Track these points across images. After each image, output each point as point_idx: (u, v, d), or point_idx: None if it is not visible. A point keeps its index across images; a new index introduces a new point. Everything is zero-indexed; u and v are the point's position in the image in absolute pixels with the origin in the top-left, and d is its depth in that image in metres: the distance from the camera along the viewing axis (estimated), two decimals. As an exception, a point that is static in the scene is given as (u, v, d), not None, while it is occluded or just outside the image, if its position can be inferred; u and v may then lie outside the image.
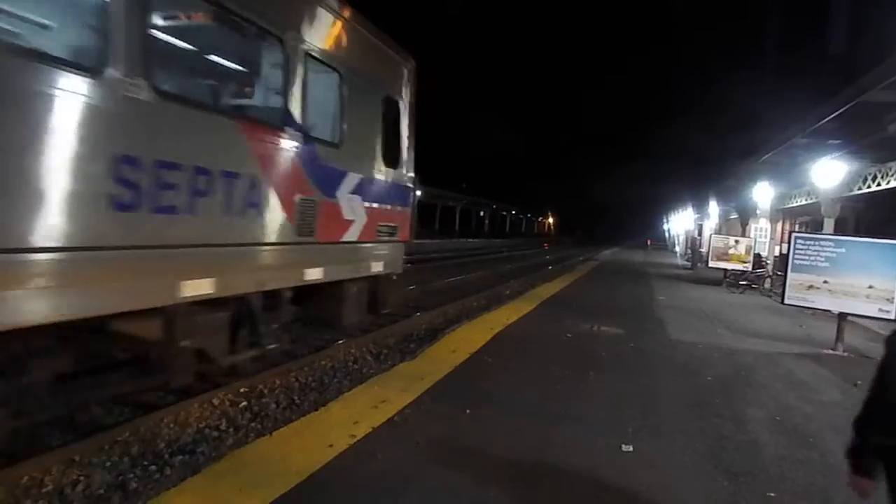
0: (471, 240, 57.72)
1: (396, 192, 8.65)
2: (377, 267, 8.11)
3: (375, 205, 7.89)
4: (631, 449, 4.66)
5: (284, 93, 5.89)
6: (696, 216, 40.90)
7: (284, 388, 6.68)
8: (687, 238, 44.62)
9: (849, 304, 9.39)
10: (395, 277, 9.00)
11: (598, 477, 4.14)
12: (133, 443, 4.85)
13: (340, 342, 8.68)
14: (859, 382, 7.43)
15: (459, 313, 12.77)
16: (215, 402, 5.91)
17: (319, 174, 6.47)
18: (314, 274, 6.53)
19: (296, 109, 6.01)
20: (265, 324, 6.11)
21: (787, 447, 5.02)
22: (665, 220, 69.97)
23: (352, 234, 7.31)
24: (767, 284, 19.89)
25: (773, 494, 4.08)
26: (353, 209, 7.28)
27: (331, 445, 4.32)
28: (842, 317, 9.62)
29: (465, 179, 73.61)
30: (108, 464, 4.49)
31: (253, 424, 5.55)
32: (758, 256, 20.98)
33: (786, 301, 10.13)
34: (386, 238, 8.30)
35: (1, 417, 3.86)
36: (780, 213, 22.34)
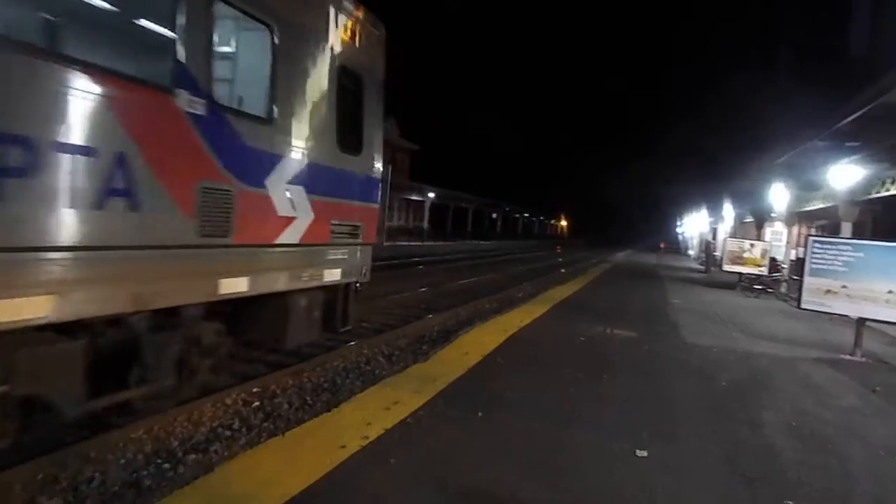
0: (483, 242, 57.69)
1: (358, 185, 7.08)
2: (332, 275, 6.65)
3: (327, 199, 6.36)
4: (645, 454, 4.61)
5: (178, 44, 4.39)
6: (711, 219, 40.60)
7: (297, 388, 6.69)
8: (701, 241, 44.29)
9: (868, 310, 9.25)
10: (359, 286, 7.47)
11: (612, 482, 4.10)
12: (147, 441, 4.88)
13: (352, 343, 8.68)
14: (878, 388, 7.33)
15: (472, 315, 12.75)
16: (228, 401, 5.93)
17: (238, 156, 4.96)
18: (233, 285, 5.05)
19: (196, 68, 4.52)
20: (158, 354, 4.80)
21: (804, 452, 4.95)
22: (678, 223, 69.55)
23: (291, 235, 5.79)
24: (783, 289, 19.68)
25: (790, 501, 4.02)
26: (294, 204, 5.76)
27: (343, 446, 4.30)
28: (860, 322, 9.49)
29: (478, 182, 73.70)
30: (122, 461, 4.52)
31: (265, 424, 5.56)
32: (773, 260, 20.77)
33: (802, 306, 10.00)
34: (345, 240, 6.81)
35: (16, 415, 3.85)
36: (797, 217, 22.09)
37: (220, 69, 5.12)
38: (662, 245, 50.80)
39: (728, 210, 30.68)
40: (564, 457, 4.47)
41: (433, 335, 10.32)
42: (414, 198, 56.11)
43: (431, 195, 55.37)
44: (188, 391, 5.34)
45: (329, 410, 5.20)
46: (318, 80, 6.20)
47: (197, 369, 5.30)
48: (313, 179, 6.06)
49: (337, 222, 6.59)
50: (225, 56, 5.47)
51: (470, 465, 4.20)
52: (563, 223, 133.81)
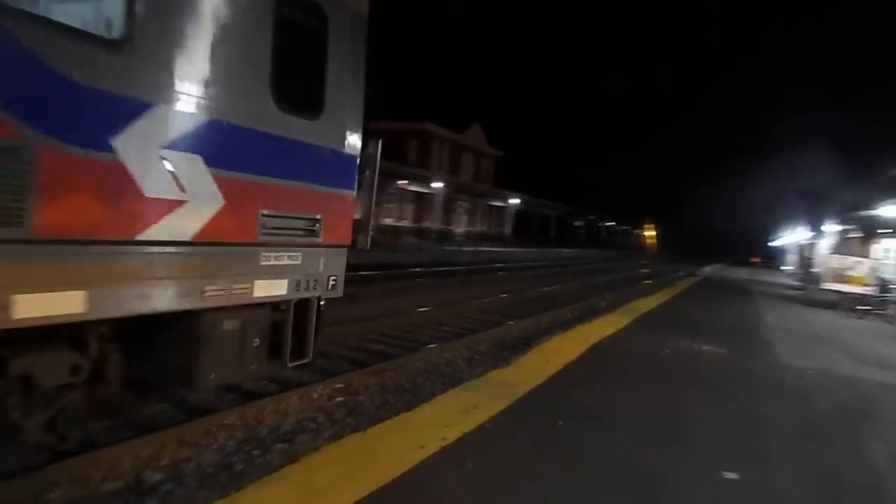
0: (566, 250, 56.85)
1: (318, 161, 5.10)
2: (270, 288, 4.74)
3: (251, 177, 4.41)
4: (735, 476, 4.40)
5: None
6: (810, 233, 38.24)
7: (378, 387, 6.83)
8: (799, 256, 41.78)
9: None
10: (322, 304, 5.41)
11: None
12: (239, 427, 5.12)
13: (433, 346, 8.77)
14: None
15: (553, 323, 12.58)
16: (314, 395, 6.14)
17: (43, 92, 3.20)
18: (40, 305, 3.26)
19: None
20: None
21: (915, 489, 4.57)
22: (773, 237, 65.89)
23: (174, 228, 3.87)
24: (893, 310, 18.24)
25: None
26: (180, 180, 3.85)
27: (422, 447, 4.36)
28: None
29: (562, 189, 72.82)
30: (215, 445, 4.77)
31: (349, 420, 5.71)
32: (882, 280, 19.30)
33: (915, 329, 9.23)
34: (292, 238, 4.87)
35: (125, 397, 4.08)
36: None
37: None
38: (756, 259, 48.26)
39: (830, 224, 28.76)
40: (646, 474, 4.34)
41: (513, 342, 10.26)
42: (496, 203, 56.08)
43: (514, 201, 55.17)
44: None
45: (409, 410, 5.29)
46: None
47: (19, 424, 3.60)
48: (220, 146, 4.14)
49: (272, 213, 4.59)
50: None
51: (546, 475, 4.15)
52: (650, 233, 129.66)
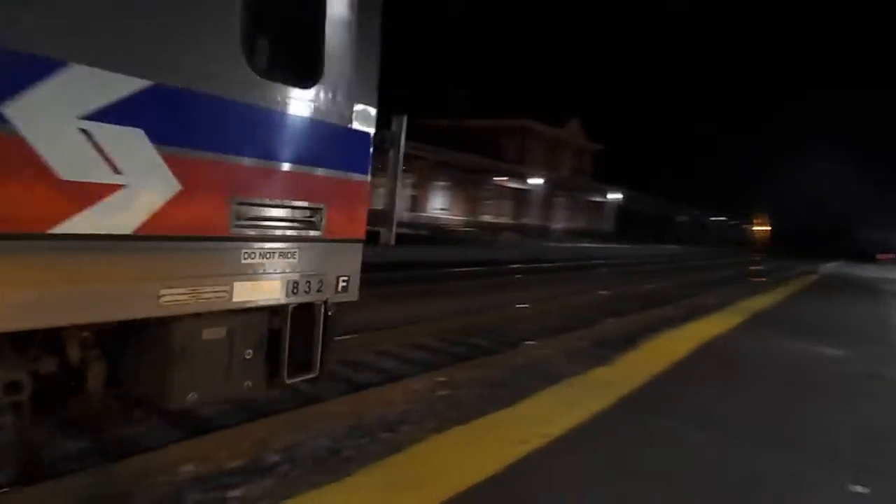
0: (670, 246, 54.68)
1: (316, 139, 4.25)
2: (262, 291, 3.99)
3: (223, 157, 3.63)
4: (866, 491, 4.08)
5: None
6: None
7: (478, 381, 6.90)
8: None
9: None
10: (329, 311, 4.51)
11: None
12: (349, 415, 5.35)
13: (532, 342, 8.74)
14: None
15: (657, 321, 12.14)
16: (416, 387, 6.30)
17: None
18: None
19: None
20: None
21: None
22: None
23: (112, 219, 3.16)
24: None
25: None
26: (112, 158, 3.12)
27: (524, 442, 4.37)
28: None
29: (667, 183, 70.06)
30: (326, 431, 5.01)
31: (451, 413, 5.82)
32: None
33: None
34: (287, 230, 4.08)
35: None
36: None
37: None
38: (886, 255, 44.19)
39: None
40: (760, 484, 4.11)
41: (615, 339, 10.01)
42: (596, 199, 54.84)
43: (614, 196, 53.73)
44: None
45: (510, 405, 5.31)
46: None
47: None
48: (171, 118, 3.38)
49: (251, 201, 3.81)
50: None
51: (651, 476, 4.04)
52: (762, 228, 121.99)
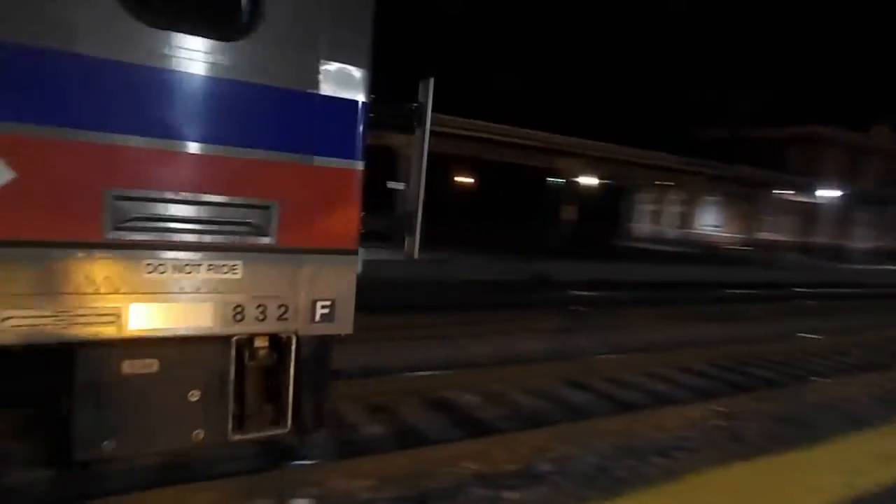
0: None
1: (255, 108, 3.15)
2: (178, 317, 3.03)
3: (86, 134, 2.70)
4: None
5: None
6: None
7: (762, 415, 6.28)
8: None
9: None
10: (295, 342, 3.37)
11: None
12: (620, 433, 5.30)
13: (828, 380, 7.66)
14: None
15: None
16: (691, 414, 5.98)
17: None
18: None
19: None
20: None
21: None
22: None
23: None
24: None
25: None
26: None
27: (820, 491, 3.87)
28: None
29: None
30: (594, 449, 5.03)
31: (730, 445, 5.40)
32: None
33: None
34: (217, 235, 3.08)
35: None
36: None
37: None
38: None
39: None
40: None
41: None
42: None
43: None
44: None
45: (804, 447, 4.75)
46: None
47: None
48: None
49: (144, 195, 2.88)
50: None
51: None
52: None
